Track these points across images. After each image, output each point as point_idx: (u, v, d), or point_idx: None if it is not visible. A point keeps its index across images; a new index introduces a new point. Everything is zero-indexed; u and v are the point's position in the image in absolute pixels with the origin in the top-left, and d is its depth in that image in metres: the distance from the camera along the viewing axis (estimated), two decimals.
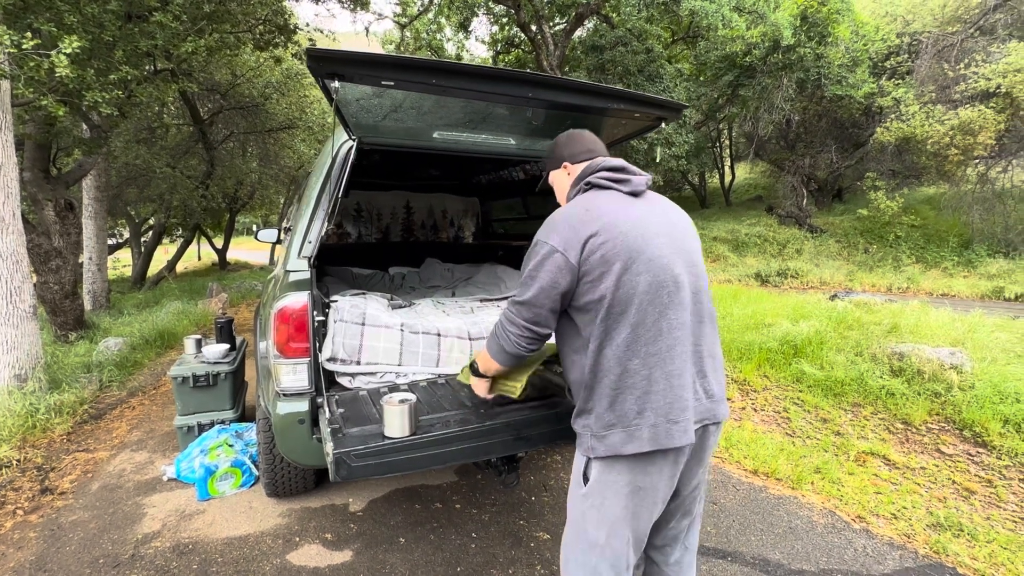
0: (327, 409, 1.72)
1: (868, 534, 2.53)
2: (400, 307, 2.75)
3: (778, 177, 17.15)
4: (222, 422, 3.23)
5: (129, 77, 4.05)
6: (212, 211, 12.89)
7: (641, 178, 1.37)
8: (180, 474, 2.91)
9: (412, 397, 1.56)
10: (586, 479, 1.33)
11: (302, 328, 1.81)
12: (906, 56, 13.53)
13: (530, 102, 1.78)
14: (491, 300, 3.12)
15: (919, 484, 2.95)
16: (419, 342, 2.08)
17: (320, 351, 1.92)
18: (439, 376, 2.10)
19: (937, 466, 3.09)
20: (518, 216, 4.30)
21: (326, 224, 1.92)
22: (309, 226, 1.92)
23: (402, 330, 2.06)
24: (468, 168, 4.43)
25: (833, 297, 6.63)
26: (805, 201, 15.62)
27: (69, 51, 3.21)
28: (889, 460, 3.20)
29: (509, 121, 2.08)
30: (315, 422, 1.82)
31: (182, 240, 15.47)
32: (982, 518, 2.62)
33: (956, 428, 3.36)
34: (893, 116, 12.35)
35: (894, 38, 13.50)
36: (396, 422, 1.50)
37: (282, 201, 19.88)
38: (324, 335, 1.97)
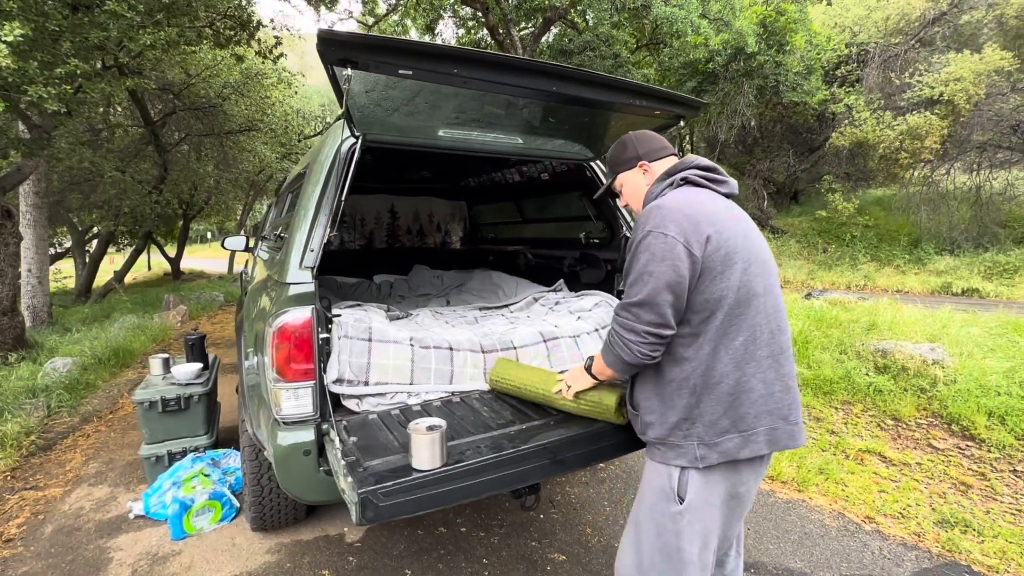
0: (336, 438, 1.53)
1: (880, 535, 2.52)
2: (398, 318, 2.56)
3: (738, 180, 17.70)
4: (195, 449, 2.94)
5: (78, 71, 3.67)
6: (165, 218, 12.14)
7: (734, 182, 1.36)
8: (149, 510, 2.61)
9: (442, 423, 1.39)
10: (681, 494, 1.23)
11: (305, 347, 1.61)
12: (855, 65, 14.24)
13: (553, 96, 1.66)
14: (492, 308, 2.96)
15: (918, 480, 2.99)
16: (431, 357, 1.90)
17: (325, 372, 1.72)
18: (453, 394, 1.94)
19: (932, 461, 3.14)
20: (510, 220, 4.14)
21: (328, 230, 1.73)
22: (310, 233, 1.71)
23: (412, 345, 1.88)
24: (459, 169, 4.24)
25: (808, 296, 6.81)
26: (765, 203, 16.18)
27: (10, 39, 2.86)
28: (886, 457, 3.23)
29: (522, 117, 1.95)
30: (321, 452, 1.62)
31: (132, 249, 14.46)
32: (983, 512, 2.67)
33: (944, 422, 3.44)
34: (846, 122, 12.96)
35: (843, 48, 14.19)
36: (425, 453, 1.34)
37: (240, 208, 19.02)
38: (328, 354, 1.77)
